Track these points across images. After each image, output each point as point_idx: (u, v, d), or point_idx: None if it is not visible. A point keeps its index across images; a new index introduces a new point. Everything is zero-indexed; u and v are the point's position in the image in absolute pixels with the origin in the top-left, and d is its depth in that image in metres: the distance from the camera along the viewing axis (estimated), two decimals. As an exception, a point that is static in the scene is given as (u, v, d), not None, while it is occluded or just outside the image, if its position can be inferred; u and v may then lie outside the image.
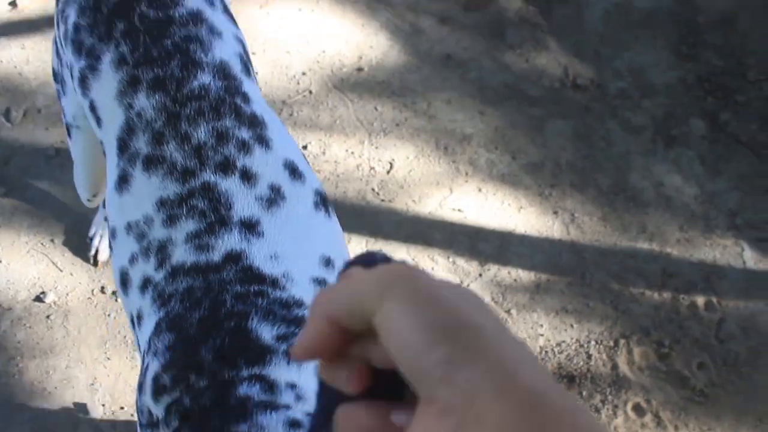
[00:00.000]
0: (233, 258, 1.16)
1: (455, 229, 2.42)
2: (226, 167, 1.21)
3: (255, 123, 1.28)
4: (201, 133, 1.23)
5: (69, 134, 1.66)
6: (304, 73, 2.74)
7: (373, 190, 2.45)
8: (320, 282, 1.20)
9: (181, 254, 1.18)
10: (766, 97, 2.97)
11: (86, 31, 1.32)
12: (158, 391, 1.10)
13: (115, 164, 1.28)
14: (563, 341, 2.27)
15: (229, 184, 1.21)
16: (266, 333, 1.09)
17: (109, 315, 2.14)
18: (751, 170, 2.74)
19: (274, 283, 1.15)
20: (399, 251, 2.33)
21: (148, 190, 1.22)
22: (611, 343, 2.28)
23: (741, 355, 2.29)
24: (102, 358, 2.09)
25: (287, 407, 1.04)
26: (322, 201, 1.32)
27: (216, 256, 1.16)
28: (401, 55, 2.80)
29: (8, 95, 2.43)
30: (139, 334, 1.24)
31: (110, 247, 1.33)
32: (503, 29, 2.93)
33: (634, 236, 2.51)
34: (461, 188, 2.51)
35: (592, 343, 2.28)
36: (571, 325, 2.30)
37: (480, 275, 2.33)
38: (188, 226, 1.19)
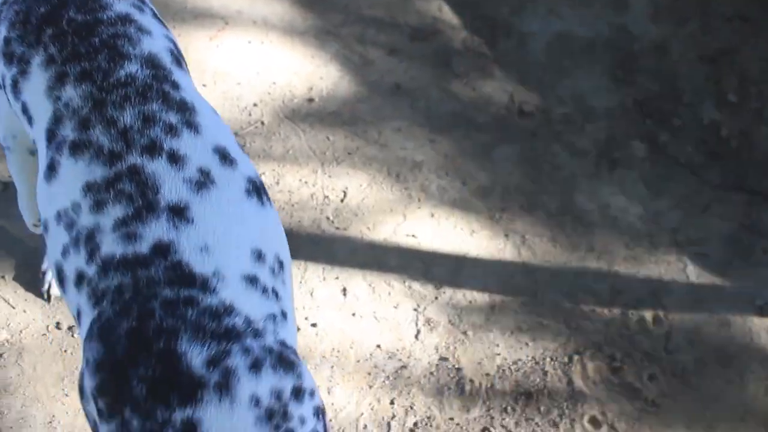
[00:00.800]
0: (162, 250, 1.16)
1: (410, 254, 2.51)
2: (152, 150, 1.23)
3: (184, 108, 1.31)
4: (127, 117, 1.25)
5: (6, 157, 1.70)
6: (255, 105, 2.81)
7: (327, 218, 2.52)
8: (251, 280, 1.19)
9: (110, 244, 1.18)
10: (699, 119, 3.17)
11: (17, 42, 1.37)
12: (99, 413, 1.10)
13: (44, 155, 1.31)
14: (519, 359, 2.36)
15: (156, 167, 1.22)
16: (196, 357, 1.08)
17: (65, 351, 2.15)
18: (689, 190, 2.91)
19: (204, 285, 1.14)
20: (355, 278, 2.40)
21: (75, 175, 1.24)
22: (566, 359, 2.39)
23: (689, 365, 2.42)
24: (59, 395, 2.08)
25: None
26: (255, 189, 1.31)
27: (144, 246, 1.16)
28: (351, 85, 2.90)
29: None
30: (81, 333, 1.23)
31: (45, 242, 1.32)
32: (449, 59, 3.06)
33: (582, 255, 2.63)
34: (414, 214, 2.60)
35: (548, 359, 2.37)
36: (527, 344, 2.40)
37: (436, 298, 2.42)
38: (116, 211, 1.19)
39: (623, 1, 3.54)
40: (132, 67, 1.32)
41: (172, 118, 1.28)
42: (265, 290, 1.21)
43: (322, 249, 2.44)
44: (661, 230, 2.78)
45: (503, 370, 2.33)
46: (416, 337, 2.31)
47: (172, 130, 1.26)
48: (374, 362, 2.22)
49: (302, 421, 1.13)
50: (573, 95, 3.09)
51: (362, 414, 2.13)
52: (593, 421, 2.29)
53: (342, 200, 2.57)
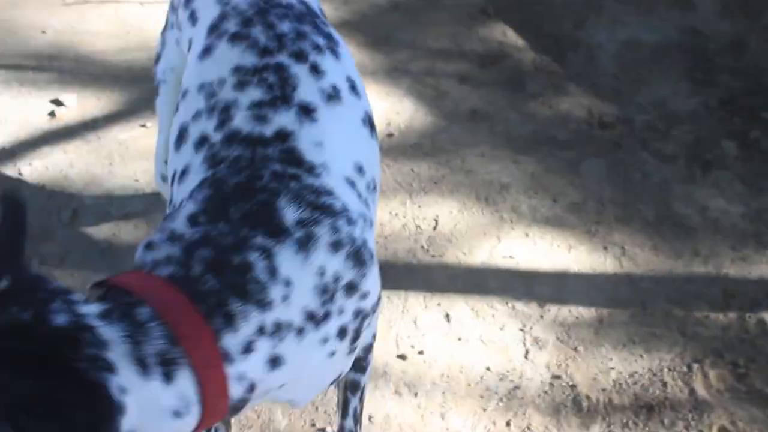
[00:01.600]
0: (283, 136, 1.29)
1: (509, 275, 2.50)
2: (300, 56, 1.41)
3: (330, 38, 1.50)
4: (284, 26, 1.45)
5: (158, 92, 1.94)
6: (335, 146, 2.88)
7: (422, 247, 2.54)
8: (351, 183, 1.32)
9: (241, 120, 1.31)
10: (788, 111, 3.10)
11: None
12: (191, 222, 1.19)
13: (200, 44, 1.50)
14: (635, 372, 2.30)
15: (300, 70, 1.39)
16: (290, 214, 1.17)
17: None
18: (780, 181, 2.84)
19: (311, 169, 1.26)
20: (457, 303, 2.40)
21: (230, 57, 1.41)
22: (684, 369, 2.32)
23: (819, 364, 2.32)
24: None
25: (270, 304, 1.10)
26: (370, 122, 1.48)
27: (269, 130, 1.29)
28: (428, 117, 2.96)
29: (57, 198, 2.57)
30: (176, 187, 1.35)
31: (177, 108, 1.47)
32: (521, 80, 3.10)
33: (688, 261, 2.57)
34: (508, 236, 2.60)
35: (665, 370, 2.31)
36: (641, 356, 2.34)
37: (541, 317, 2.39)
38: (255, 94, 1.34)
39: (688, 2, 3.54)
40: (291, 0, 1.54)
41: (320, 41, 1.46)
42: (360, 196, 1.35)
43: (421, 277, 2.46)
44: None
45: (620, 384, 2.27)
46: (525, 356, 2.28)
47: (318, 48, 1.44)
48: (486, 385, 2.20)
49: (341, 311, 1.20)
50: (652, 102, 3.07)
51: (479, 439, 2.11)
52: (723, 431, 2.20)
53: (434, 228, 2.59)
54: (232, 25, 1.47)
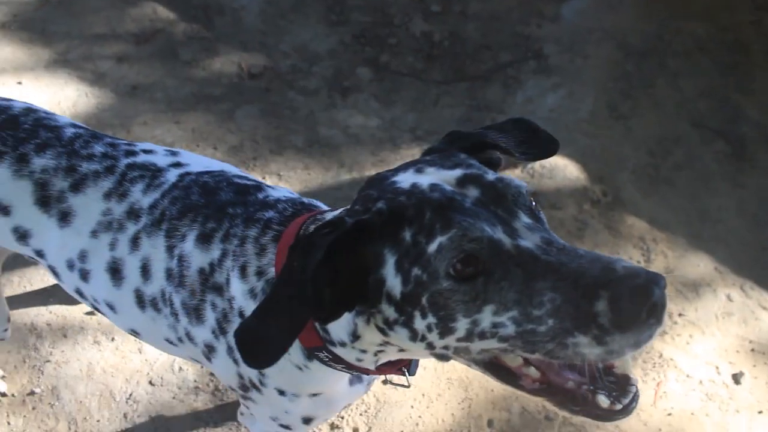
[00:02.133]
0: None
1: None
2: (131, 153, 1.64)
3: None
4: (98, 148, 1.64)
5: None
6: None
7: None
8: None
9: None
10: (412, 34, 3.68)
11: None
12: None
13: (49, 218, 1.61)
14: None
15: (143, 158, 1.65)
16: None
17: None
18: (418, 92, 3.40)
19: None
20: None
21: (91, 200, 1.58)
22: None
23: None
24: None
25: None
26: None
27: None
28: (91, 98, 3.18)
29: None
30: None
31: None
32: (175, 50, 3.40)
33: (335, 173, 3.04)
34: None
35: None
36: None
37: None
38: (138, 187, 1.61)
39: (322, -44, 4.02)
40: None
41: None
42: None
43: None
44: (401, 132, 3.23)
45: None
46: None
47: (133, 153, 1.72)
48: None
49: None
50: (295, 47, 3.51)
51: None
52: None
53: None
54: (62, 182, 1.59)
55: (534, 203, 1.16)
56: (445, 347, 1.14)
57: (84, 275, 1.62)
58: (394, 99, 3.35)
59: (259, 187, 1.57)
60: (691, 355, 2.77)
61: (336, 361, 1.35)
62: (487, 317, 1.07)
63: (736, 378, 2.75)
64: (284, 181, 2.97)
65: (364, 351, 1.30)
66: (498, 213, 1.09)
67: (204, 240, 1.48)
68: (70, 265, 1.62)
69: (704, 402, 2.68)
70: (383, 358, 1.34)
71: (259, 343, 1.11)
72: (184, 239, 1.50)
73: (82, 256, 1.60)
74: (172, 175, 1.60)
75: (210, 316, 1.49)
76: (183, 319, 1.53)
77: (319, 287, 1.07)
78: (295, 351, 1.40)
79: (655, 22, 3.95)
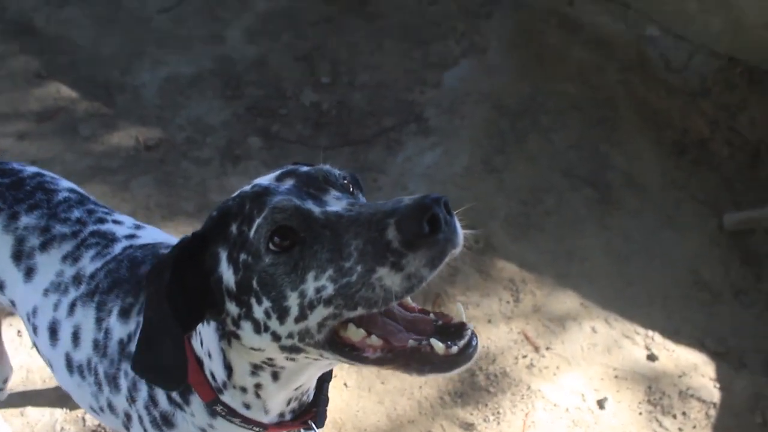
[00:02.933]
0: None
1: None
2: (102, 220, 1.82)
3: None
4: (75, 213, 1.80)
5: None
6: None
7: None
8: None
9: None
10: (302, 104, 4.01)
11: None
12: None
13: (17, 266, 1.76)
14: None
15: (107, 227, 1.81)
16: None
17: None
18: (305, 156, 3.69)
19: None
20: None
21: (52, 260, 1.72)
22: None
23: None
24: None
25: None
26: None
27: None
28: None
29: None
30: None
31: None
32: (76, 127, 3.67)
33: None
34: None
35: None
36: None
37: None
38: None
39: (219, 36, 4.37)
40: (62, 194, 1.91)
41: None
42: None
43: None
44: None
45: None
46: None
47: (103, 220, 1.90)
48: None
49: None
50: (190, 121, 3.80)
51: None
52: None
53: None
54: (35, 239, 1.74)
55: (351, 188, 1.28)
56: (290, 335, 1.19)
57: (35, 329, 1.76)
58: (282, 164, 3.63)
59: None
60: (558, 386, 3.03)
61: (231, 414, 1.42)
62: (310, 285, 1.14)
63: (601, 404, 3.02)
64: (174, 244, 3.21)
65: (244, 390, 1.37)
66: (310, 191, 1.21)
67: (124, 314, 1.61)
68: (28, 318, 1.77)
69: (571, 428, 2.93)
70: (268, 399, 1.41)
71: (160, 369, 1.22)
72: (110, 314, 1.64)
73: (35, 311, 1.74)
74: (119, 247, 1.74)
75: (123, 385, 1.58)
76: (105, 389, 1.63)
77: (175, 302, 1.18)
78: (199, 411, 1.47)
79: (529, 85, 4.35)
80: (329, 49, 4.41)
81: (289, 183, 1.24)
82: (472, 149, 3.87)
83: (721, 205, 3.96)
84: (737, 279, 3.65)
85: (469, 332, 1.19)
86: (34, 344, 1.82)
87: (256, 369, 1.34)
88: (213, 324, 1.32)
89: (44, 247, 1.73)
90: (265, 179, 1.29)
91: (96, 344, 1.65)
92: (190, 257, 1.23)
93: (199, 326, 1.37)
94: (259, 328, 1.21)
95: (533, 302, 3.31)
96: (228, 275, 1.22)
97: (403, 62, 4.42)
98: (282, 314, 1.18)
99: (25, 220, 1.75)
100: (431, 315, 1.23)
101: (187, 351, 1.26)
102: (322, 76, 4.21)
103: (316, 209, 1.16)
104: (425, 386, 2.91)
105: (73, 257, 1.73)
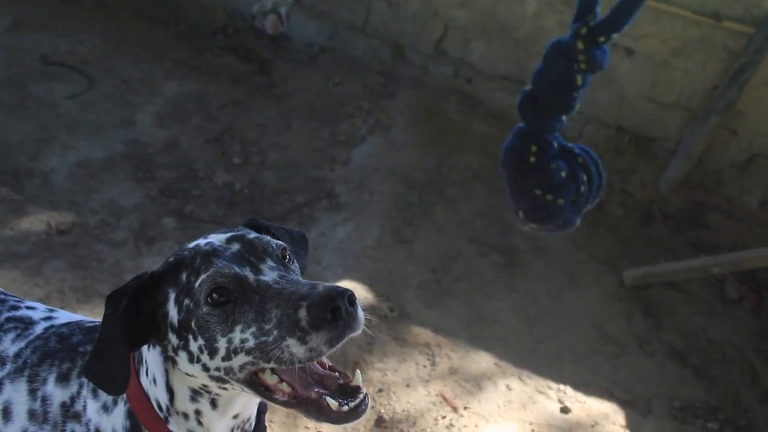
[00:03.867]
0: None
1: None
2: (15, 308, 1.89)
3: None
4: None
5: None
6: None
7: None
8: None
9: None
10: (215, 185, 4.13)
11: None
12: None
13: None
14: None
15: None
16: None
17: None
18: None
19: None
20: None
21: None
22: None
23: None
24: None
25: None
26: None
27: None
28: None
29: None
30: None
31: None
32: (-18, 216, 3.68)
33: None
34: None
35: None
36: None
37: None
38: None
39: (130, 121, 4.48)
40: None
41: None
42: None
43: None
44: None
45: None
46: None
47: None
48: None
49: None
50: (104, 204, 3.86)
51: None
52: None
53: None
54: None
55: (287, 256, 1.52)
56: (217, 368, 1.43)
57: None
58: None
59: None
60: (477, 444, 3.16)
61: None
62: (237, 335, 1.39)
63: (519, 459, 3.16)
64: (90, 326, 3.22)
65: (186, 416, 1.56)
66: (250, 259, 1.45)
67: (62, 379, 1.73)
68: None
69: (492, 485, 3.06)
70: (210, 427, 1.58)
71: (105, 376, 1.44)
72: (45, 382, 1.73)
73: None
74: (39, 328, 1.83)
75: None
76: None
77: (126, 325, 1.41)
78: None
79: (434, 158, 4.63)
80: (239, 131, 4.58)
81: (235, 247, 1.47)
82: (383, 222, 4.06)
83: (618, 262, 4.27)
84: (640, 330, 3.92)
85: (362, 395, 1.46)
86: None
87: (195, 395, 1.55)
88: (158, 348, 1.52)
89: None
90: (217, 239, 1.50)
91: (32, 414, 1.73)
92: (145, 290, 1.46)
93: (146, 352, 1.56)
94: (192, 358, 1.45)
95: (449, 365, 3.46)
96: (173, 313, 1.45)
97: (312, 141, 4.63)
98: (212, 352, 1.42)
99: None
100: (336, 374, 1.49)
101: (132, 379, 1.51)
102: (233, 156, 4.36)
103: (251, 276, 1.42)
104: (349, 451, 2.99)
105: None
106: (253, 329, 1.38)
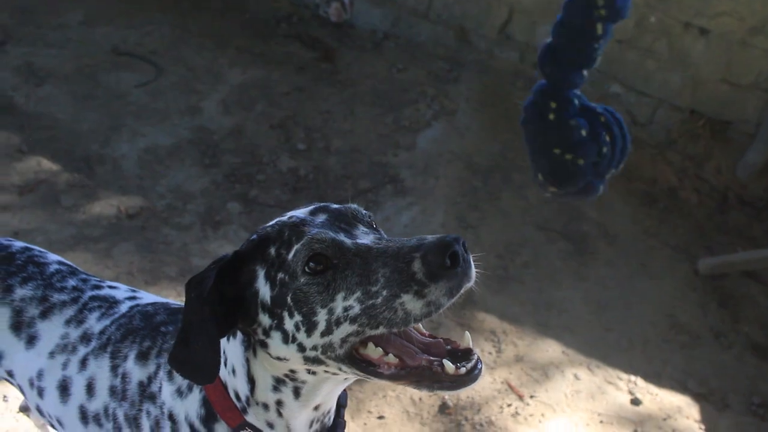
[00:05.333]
0: None
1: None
2: (98, 287, 1.91)
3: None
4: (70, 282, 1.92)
5: None
6: None
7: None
8: None
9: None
10: (279, 170, 4.18)
11: None
12: None
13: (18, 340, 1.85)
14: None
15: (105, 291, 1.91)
16: None
17: None
18: (284, 221, 3.84)
19: None
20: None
21: (54, 325, 1.83)
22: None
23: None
24: None
25: None
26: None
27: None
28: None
29: None
30: None
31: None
32: (57, 198, 3.79)
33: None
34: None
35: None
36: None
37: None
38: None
39: (196, 108, 4.57)
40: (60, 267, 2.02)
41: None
42: None
43: None
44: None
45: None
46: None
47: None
48: None
49: None
50: (171, 189, 3.95)
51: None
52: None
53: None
54: (34, 310, 1.84)
55: (375, 224, 1.47)
56: (314, 347, 1.36)
57: (40, 392, 1.85)
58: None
59: None
60: (543, 432, 3.12)
61: None
62: (339, 304, 1.32)
63: (587, 449, 3.11)
64: (158, 308, 3.30)
65: (266, 407, 1.50)
66: (341, 226, 1.40)
67: (142, 357, 1.73)
68: (31, 383, 1.86)
69: (559, 474, 3.01)
70: (290, 419, 1.53)
71: (193, 364, 1.38)
72: (126, 359, 1.74)
73: (40, 374, 1.84)
74: (124, 306, 1.86)
75: (145, 424, 1.68)
76: (125, 431, 1.72)
77: (213, 307, 1.34)
78: None
79: (499, 143, 4.57)
80: (303, 117, 4.62)
81: (322, 217, 1.42)
82: (448, 207, 4.04)
83: (693, 250, 4.15)
84: (715, 321, 3.80)
85: (475, 357, 1.37)
86: (36, 408, 1.91)
87: (278, 384, 1.48)
88: (239, 337, 1.47)
89: (44, 314, 1.85)
90: (300, 212, 1.45)
91: (113, 390, 1.75)
92: (229, 271, 1.39)
93: (224, 343, 1.51)
94: (287, 338, 1.38)
95: (515, 352, 3.42)
96: (264, 290, 1.38)
97: (376, 127, 4.63)
98: (310, 328, 1.35)
99: (20, 292, 1.88)
100: (441, 340, 1.40)
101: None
102: (297, 142, 4.39)
103: (347, 241, 1.35)
104: (413, 437, 2.99)
105: (77, 320, 1.85)
106: (358, 294, 1.30)
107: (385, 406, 3.06)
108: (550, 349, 3.47)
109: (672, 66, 4.64)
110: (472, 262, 1.30)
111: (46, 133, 4.16)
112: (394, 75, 5.17)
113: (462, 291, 1.27)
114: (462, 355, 1.37)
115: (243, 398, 1.51)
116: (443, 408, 3.09)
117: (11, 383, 1.94)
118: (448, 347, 1.39)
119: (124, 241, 3.61)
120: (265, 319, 1.39)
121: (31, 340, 1.84)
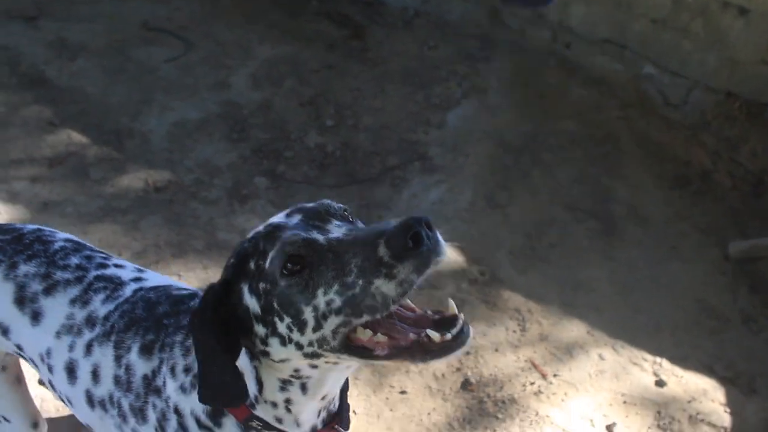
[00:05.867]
0: None
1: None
2: (103, 266, 1.94)
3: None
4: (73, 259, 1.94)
5: None
6: None
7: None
8: None
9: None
10: (307, 146, 4.21)
11: None
12: None
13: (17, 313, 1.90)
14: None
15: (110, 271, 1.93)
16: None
17: None
18: (311, 196, 3.87)
19: None
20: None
21: (58, 304, 1.87)
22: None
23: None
24: None
25: None
26: None
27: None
28: (4, 215, 3.59)
29: None
30: None
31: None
32: (86, 170, 3.86)
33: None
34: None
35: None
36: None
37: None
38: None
39: (225, 83, 4.61)
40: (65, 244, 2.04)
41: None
42: None
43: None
44: (295, 232, 3.66)
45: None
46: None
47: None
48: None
49: None
50: (198, 163, 3.99)
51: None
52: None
53: None
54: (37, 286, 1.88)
55: (350, 217, 1.50)
56: (310, 343, 1.41)
57: (50, 369, 1.91)
58: (288, 203, 3.78)
59: (194, 295, 1.90)
60: (566, 411, 3.12)
61: (267, 428, 1.59)
62: (321, 299, 1.36)
63: (610, 429, 3.10)
64: (183, 280, 3.36)
65: (274, 405, 1.56)
66: (315, 224, 1.43)
67: (145, 350, 1.77)
68: (41, 359, 1.92)
69: (581, 453, 3.02)
70: (299, 413, 1.59)
71: (224, 395, 1.46)
72: (129, 351, 1.79)
73: (48, 352, 1.90)
74: (129, 290, 1.89)
75: (152, 416, 1.73)
76: (131, 420, 1.77)
77: (216, 333, 1.42)
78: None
79: (530, 123, 4.55)
80: (333, 94, 4.63)
81: (297, 218, 1.45)
82: (476, 185, 4.04)
83: (724, 234, 4.10)
84: (745, 306, 3.76)
85: (460, 321, 1.40)
86: (49, 382, 1.96)
87: (284, 384, 1.54)
88: (243, 350, 1.53)
89: (48, 291, 1.89)
90: (276, 218, 1.50)
91: (117, 380, 1.81)
92: (221, 300, 1.45)
93: None
94: (284, 341, 1.43)
95: (540, 331, 3.42)
96: (252, 303, 1.44)
97: (406, 105, 4.63)
98: (301, 327, 1.40)
99: (24, 268, 1.92)
100: (428, 312, 1.44)
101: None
102: (326, 119, 4.42)
103: (320, 237, 1.38)
104: (434, 413, 3.01)
105: (82, 301, 1.88)
106: (335, 287, 1.35)
107: (407, 381, 3.09)
108: (576, 329, 3.46)
109: (708, 46, 4.57)
110: (439, 238, 1.33)
111: (76, 107, 4.23)
112: (425, 53, 5.16)
113: (432, 266, 1.31)
114: (448, 321, 1.41)
115: (252, 396, 1.57)
116: (465, 384, 3.11)
117: (23, 357, 1.99)
118: (436, 317, 1.44)
119: (152, 214, 3.67)
120: (260, 330, 1.45)
121: (36, 316, 1.89)
